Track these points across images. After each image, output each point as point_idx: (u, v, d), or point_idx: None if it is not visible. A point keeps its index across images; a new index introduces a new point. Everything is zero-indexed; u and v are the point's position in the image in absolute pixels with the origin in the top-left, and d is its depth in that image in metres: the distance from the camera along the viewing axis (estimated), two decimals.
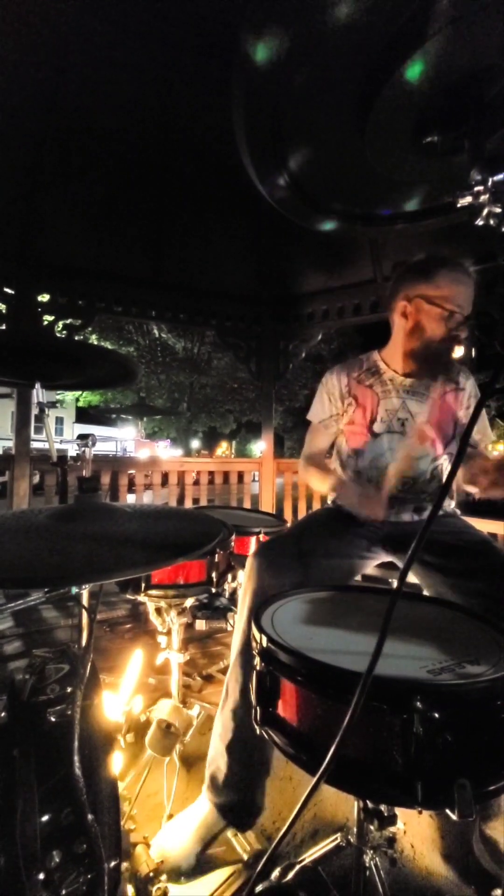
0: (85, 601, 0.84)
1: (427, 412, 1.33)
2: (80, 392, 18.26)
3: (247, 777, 1.10)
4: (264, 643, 0.68)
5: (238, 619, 1.18)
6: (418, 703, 0.53)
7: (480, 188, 0.63)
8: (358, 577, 1.37)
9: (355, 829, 0.83)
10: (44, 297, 2.93)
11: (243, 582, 1.18)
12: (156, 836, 1.10)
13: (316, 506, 3.49)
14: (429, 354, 1.27)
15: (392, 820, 0.73)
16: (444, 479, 1.33)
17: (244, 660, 1.13)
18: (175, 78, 2.39)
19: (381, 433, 1.35)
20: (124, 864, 0.94)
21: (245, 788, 1.10)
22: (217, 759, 1.12)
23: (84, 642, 0.84)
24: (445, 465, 1.39)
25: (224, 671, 1.97)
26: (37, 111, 2.37)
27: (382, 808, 0.73)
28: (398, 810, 0.74)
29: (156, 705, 1.47)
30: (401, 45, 0.64)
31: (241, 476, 3.61)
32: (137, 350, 14.73)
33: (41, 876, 0.58)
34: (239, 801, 1.10)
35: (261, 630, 0.71)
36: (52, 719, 0.68)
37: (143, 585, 1.31)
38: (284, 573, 1.12)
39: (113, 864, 0.65)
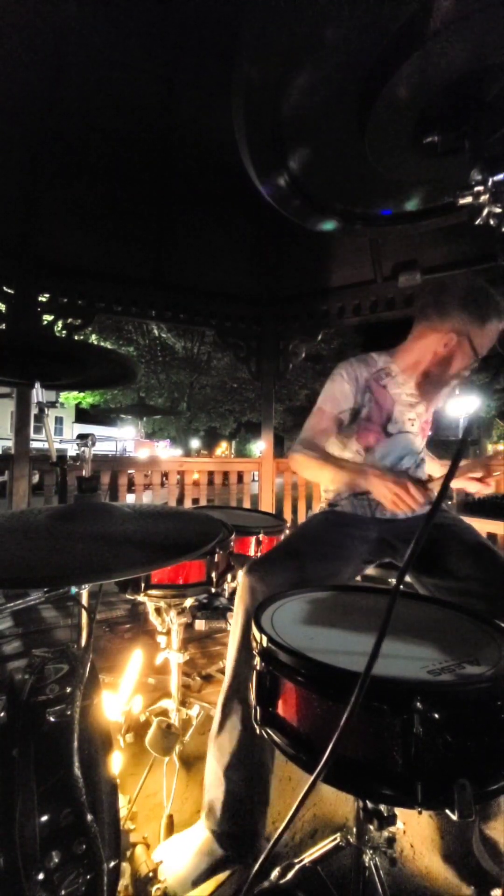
0: (84, 601, 0.84)
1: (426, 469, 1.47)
2: (79, 394, 18.19)
3: (245, 805, 1.06)
4: (264, 643, 0.68)
5: (231, 639, 1.14)
6: (418, 704, 0.53)
7: (480, 188, 0.63)
8: (357, 578, 1.37)
9: (355, 829, 0.83)
10: (44, 297, 2.93)
11: (236, 601, 1.13)
12: (155, 851, 1.08)
13: (316, 506, 3.49)
14: (442, 383, 1.38)
15: (391, 820, 0.72)
16: (430, 475, 1.36)
17: (239, 681, 1.10)
18: (175, 77, 2.39)
19: (394, 433, 1.39)
20: (124, 865, 0.94)
21: (244, 816, 1.05)
22: (214, 786, 1.08)
23: (83, 642, 0.84)
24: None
25: (224, 671, 1.97)
26: (37, 111, 2.36)
27: (382, 808, 0.73)
28: (398, 810, 0.74)
29: (156, 705, 1.47)
30: (401, 45, 0.63)
31: (240, 476, 3.62)
32: (137, 350, 14.70)
33: (40, 876, 0.58)
34: (238, 831, 1.05)
35: (261, 630, 0.71)
36: (52, 719, 0.68)
37: (142, 585, 1.31)
38: (279, 587, 1.08)
39: (112, 864, 0.65)
